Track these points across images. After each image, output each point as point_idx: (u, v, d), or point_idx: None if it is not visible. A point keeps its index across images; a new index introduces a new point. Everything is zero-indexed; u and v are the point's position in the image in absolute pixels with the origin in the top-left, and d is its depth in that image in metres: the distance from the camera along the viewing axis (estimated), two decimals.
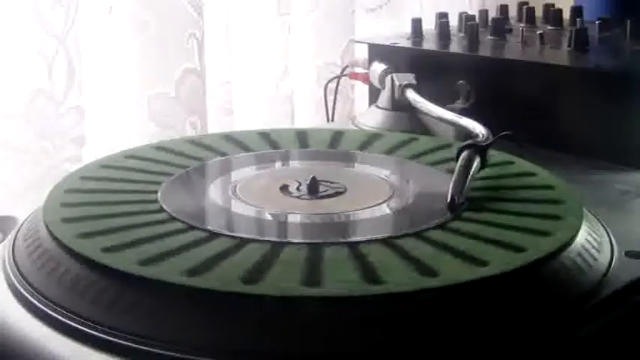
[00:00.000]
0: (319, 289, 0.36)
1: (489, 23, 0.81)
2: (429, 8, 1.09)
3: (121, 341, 0.35)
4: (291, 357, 0.34)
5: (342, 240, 0.42)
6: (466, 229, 0.43)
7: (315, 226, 0.45)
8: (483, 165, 0.50)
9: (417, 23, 0.80)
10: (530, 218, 0.44)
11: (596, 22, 0.80)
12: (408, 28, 0.81)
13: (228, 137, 0.59)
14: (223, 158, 0.55)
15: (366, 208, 0.46)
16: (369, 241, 0.41)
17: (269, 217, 0.46)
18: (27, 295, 0.39)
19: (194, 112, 0.82)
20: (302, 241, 0.42)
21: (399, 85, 0.68)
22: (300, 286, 0.36)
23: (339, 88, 0.87)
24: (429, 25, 0.82)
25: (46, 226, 0.42)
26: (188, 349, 0.34)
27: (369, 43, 0.78)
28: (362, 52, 0.82)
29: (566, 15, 0.87)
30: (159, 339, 0.34)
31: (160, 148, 0.56)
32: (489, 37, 0.78)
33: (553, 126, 0.65)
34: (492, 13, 0.87)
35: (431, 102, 0.65)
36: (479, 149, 0.50)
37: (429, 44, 0.77)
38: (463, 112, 0.62)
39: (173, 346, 0.34)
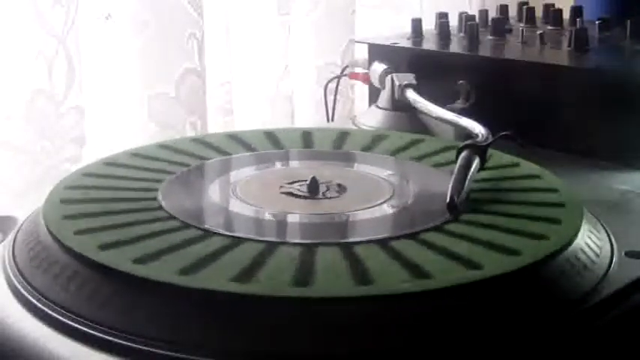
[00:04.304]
0: (309, 288, 0.36)
1: (489, 23, 0.81)
2: (429, 8, 1.09)
3: (121, 341, 0.35)
4: (286, 357, 0.34)
5: (335, 241, 0.42)
6: (463, 231, 0.43)
7: (312, 227, 0.45)
8: (483, 165, 0.50)
9: (417, 23, 0.80)
10: (525, 225, 0.44)
11: (596, 22, 0.80)
12: (407, 28, 0.81)
13: (233, 137, 0.59)
14: (224, 157, 0.55)
15: (364, 209, 0.46)
16: (364, 242, 0.41)
17: (266, 217, 0.46)
18: (27, 295, 0.39)
19: (194, 112, 0.82)
20: (296, 241, 0.42)
21: (399, 85, 0.68)
22: (290, 286, 0.36)
23: (339, 88, 0.87)
24: (429, 25, 0.82)
25: (46, 226, 0.42)
26: (188, 349, 0.34)
27: (369, 43, 0.78)
28: (362, 52, 0.82)
29: (566, 15, 0.87)
30: (159, 339, 0.34)
31: (164, 146, 0.56)
32: (489, 37, 0.78)
33: (553, 126, 0.65)
34: (492, 13, 0.87)
35: (431, 102, 0.65)
36: (478, 149, 0.49)
37: (429, 44, 0.77)
38: (463, 112, 0.62)
39: (173, 346, 0.34)
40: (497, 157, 0.53)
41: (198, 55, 0.81)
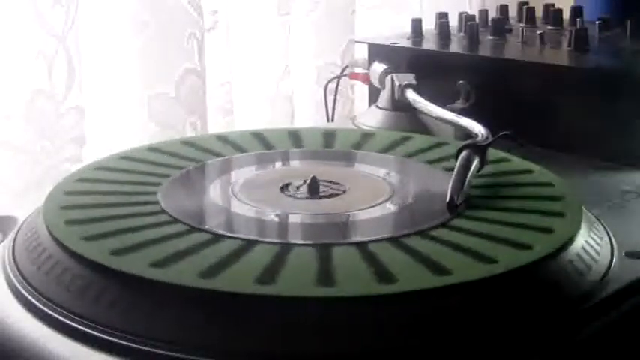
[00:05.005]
0: (335, 289, 0.36)
1: (489, 23, 0.81)
2: (429, 8, 1.09)
3: (120, 341, 0.35)
4: (312, 357, 0.34)
5: (351, 240, 0.42)
6: (468, 227, 0.43)
7: (322, 227, 0.45)
8: (483, 165, 0.50)
9: (417, 23, 0.80)
10: (529, 219, 0.44)
11: (596, 22, 0.80)
12: (407, 28, 0.81)
13: (222, 138, 0.59)
14: (222, 159, 0.55)
15: (369, 208, 0.46)
16: (376, 241, 0.41)
17: (272, 218, 0.45)
18: (27, 295, 0.39)
19: (194, 112, 0.82)
20: (310, 242, 0.42)
21: (399, 85, 0.68)
22: (315, 286, 0.36)
23: (339, 88, 0.87)
24: (429, 25, 0.82)
25: (47, 227, 0.42)
26: (188, 349, 0.34)
27: (369, 43, 0.78)
28: (362, 52, 0.82)
29: (566, 15, 0.87)
30: (159, 339, 0.34)
31: (154, 149, 0.56)
32: (489, 37, 0.78)
33: (553, 126, 0.65)
34: (492, 13, 0.87)
35: (431, 102, 0.65)
36: (478, 149, 0.50)
37: (429, 44, 0.77)
38: (463, 112, 0.62)
39: (173, 346, 0.34)
40: (499, 158, 0.53)
41: (198, 55, 0.81)
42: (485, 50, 0.74)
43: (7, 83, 0.69)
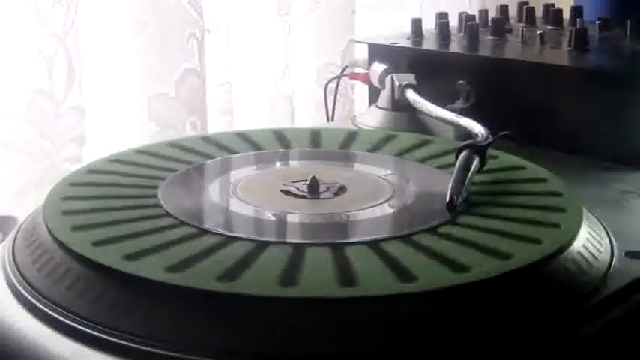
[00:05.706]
0: (358, 288, 0.36)
1: (489, 23, 0.81)
2: (429, 8, 1.09)
3: (120, 341, 0.35)
4: (340, 357, 0.35)
5: (362, 239, 0.41)
6: (475, 224, 0.43)
7: (330, 226, 0.45)
8: (483, 165, 0.50)
9: (417, 23, 0.80)
10: (531, 217, 0.44)
11: (596, 22, 0.80)
12: (407, 28, 0.81)
13: (207, 139, 0.58)
14: (220, 159, 0.54)
15: (373, 207, 0.46)
16: (388, 239, 0.41)
17: (279, 219, 0.45)
18: (27, 295, 0.39)
19: (194, 112, 0.82)
20: (323, 241, 0.42)
21: (399, 85, 0.68)
22: (338, 287, 0.36)
23: (339, 88, 0.87)
24: (429, 25, 0.82)
25: (47, 226, 0.42)
26: (188, 349, 0.34)
27: (369, 43, 0.78)
28: (362, 52, 0.82)
29: (566, 15, 0.87)
30: (158, 339, 0.34)
31: (142, 152, 0.55)
32: (489, 37, 0.78)
33: (553, 126, 0.65)
34: (492, 13, 0.87)
35: (431, 102, 0.65)
36: (478, 149, 0.50)
37: (429, 44, 0.77)
38: (463, 112, 0.62)
39: (173, 346, 0.34)
40: (502, 158, 0.53)
41: (198, 55, 0.81)
42: (485, 50, 0.74)
43: (7, 83, 0.69)
